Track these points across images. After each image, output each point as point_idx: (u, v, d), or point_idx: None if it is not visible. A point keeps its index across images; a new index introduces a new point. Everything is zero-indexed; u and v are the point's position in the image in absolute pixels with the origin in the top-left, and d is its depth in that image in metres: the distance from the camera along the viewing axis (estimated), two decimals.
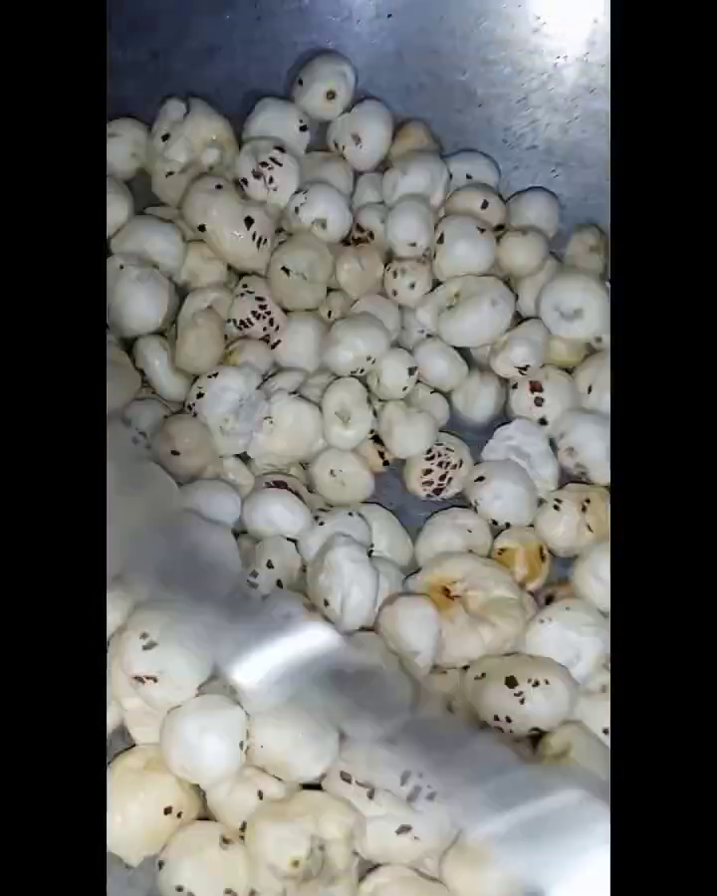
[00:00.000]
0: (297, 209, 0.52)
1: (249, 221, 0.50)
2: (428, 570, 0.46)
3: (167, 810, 0.39)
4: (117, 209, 0.51)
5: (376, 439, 0.50)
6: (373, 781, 0.38)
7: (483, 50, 0.56)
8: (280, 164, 0.52)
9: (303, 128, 0.54)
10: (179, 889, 0.38)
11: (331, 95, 0.54)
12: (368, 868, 0.40)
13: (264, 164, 0.51)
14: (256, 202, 0.52)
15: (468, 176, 0.54)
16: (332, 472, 0.48)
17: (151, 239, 0.50)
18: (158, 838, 0.40)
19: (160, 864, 0.39)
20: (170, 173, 0.53)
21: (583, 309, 0.50)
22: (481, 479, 0.49)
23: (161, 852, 0.39)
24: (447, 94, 0.56)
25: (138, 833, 0.39)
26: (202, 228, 0.50)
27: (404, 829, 0.38)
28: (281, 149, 0.52)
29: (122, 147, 0.53)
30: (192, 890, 0.38)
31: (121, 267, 0.49)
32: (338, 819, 0.37)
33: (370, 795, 0.38)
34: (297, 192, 0.52)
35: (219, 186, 0.51)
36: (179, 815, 0.40)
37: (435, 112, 0.56)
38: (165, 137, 0.53)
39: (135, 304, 0.49)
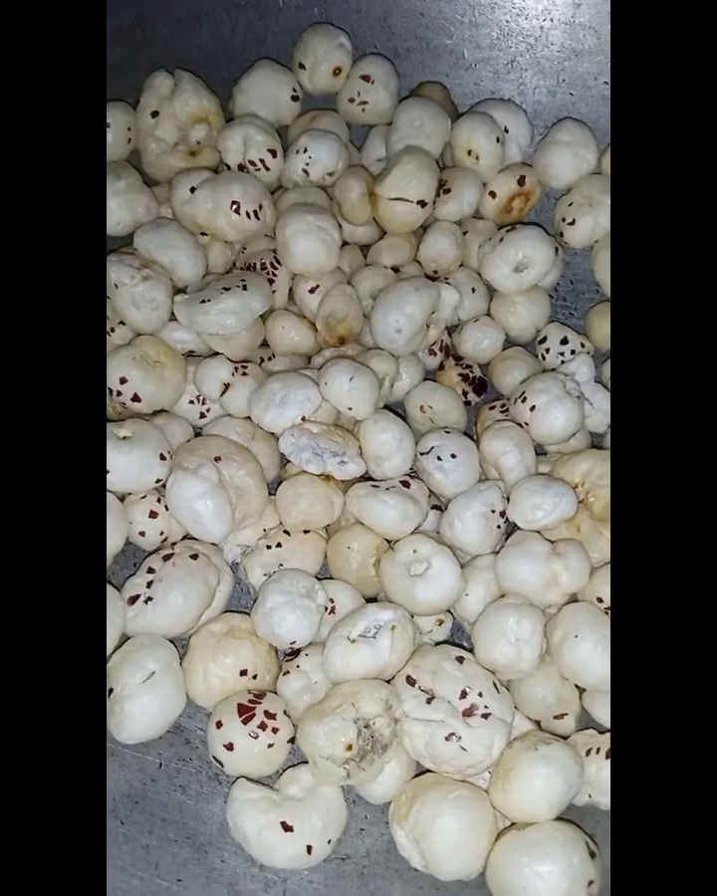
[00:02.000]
0: (305, 170, 0.51)
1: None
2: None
3: (243, 672, 0.42)
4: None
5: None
6: (435, 689, 0.40)
7: (470, 13, 0.54)
8: (268, 169, 0.51)
9: (295, 99, 0.53)
10: (229, 747, 0.41)
11: (337, 71, 0.53)
12: (417, 773, 0.41)
13: (252, 164, 0.50)
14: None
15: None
16: None
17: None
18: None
19: (218, 724, 0.41)
20: (161, 152, 0.52)
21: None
22: None
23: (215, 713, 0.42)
24: (434, 57, 0.55)
25: (216, 690, 0.42)
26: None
27: (453, 737, 0.39)
28: (273, 153, 0.50)
29: (119, 133, 0.51)
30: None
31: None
32: (373, 696, 0.39)
33: (429, 701, 0.39)
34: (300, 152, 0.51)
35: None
36: (255, 677, 0.43)
37: (422, 76, 0.55)
38: (154, 114, 0.51)
39: None
